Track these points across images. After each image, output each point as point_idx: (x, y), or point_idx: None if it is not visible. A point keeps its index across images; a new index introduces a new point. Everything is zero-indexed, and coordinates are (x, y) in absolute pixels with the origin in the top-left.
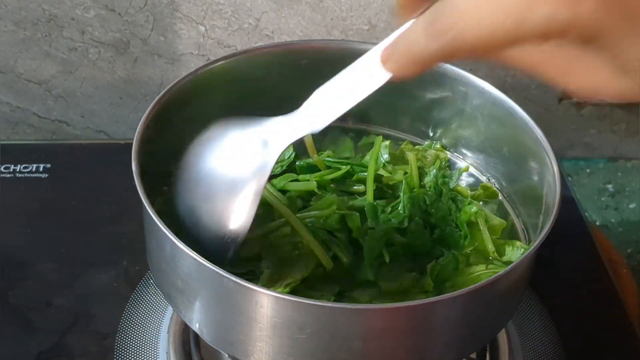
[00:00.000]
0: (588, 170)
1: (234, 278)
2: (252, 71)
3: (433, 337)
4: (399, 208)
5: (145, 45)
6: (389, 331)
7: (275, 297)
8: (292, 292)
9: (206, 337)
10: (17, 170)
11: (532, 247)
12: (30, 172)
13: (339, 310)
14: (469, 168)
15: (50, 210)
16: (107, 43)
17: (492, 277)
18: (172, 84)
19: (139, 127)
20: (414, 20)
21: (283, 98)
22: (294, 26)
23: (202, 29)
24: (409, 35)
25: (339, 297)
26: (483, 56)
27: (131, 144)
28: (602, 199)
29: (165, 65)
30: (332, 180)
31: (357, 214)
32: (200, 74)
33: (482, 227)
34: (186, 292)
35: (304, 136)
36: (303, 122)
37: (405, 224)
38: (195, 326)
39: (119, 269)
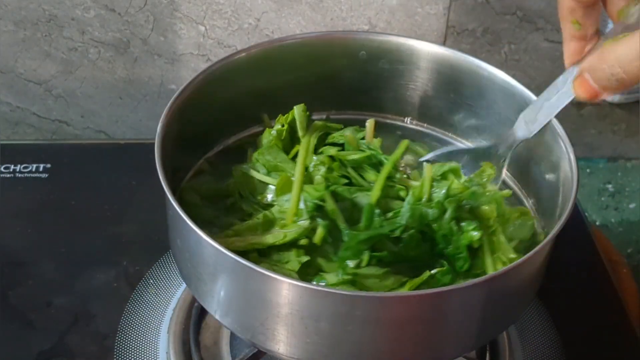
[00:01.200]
0: (588, 170)
1: (252, 266)
2: (267, 66)
3: (452, 324)
4: (399, 217)
5: (145, 45)
6: (406, 319)
7: (294, 285)
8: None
9: (224, 321)
10: (17, 170)
11: (549, 236)
12: (30, 172)
13: (356, 298)
14: (510, 194)
15: (50, 210)
16: (107, 43)
17: (509, 265)
18: (194, 77)
19: (161, 120)
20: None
21: (301, 91)
22: (294, 26)
23: (202, 29)
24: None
25: (309, 273)
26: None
27: (131, 144)
28: (602, 199)
29: (165, 65)
30: (352, 162)
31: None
32: (220, 66)
33: (486, 254)
34: (206, 280)
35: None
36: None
37: (398, 233)
38: (216, 313)
39: (119, 269)
